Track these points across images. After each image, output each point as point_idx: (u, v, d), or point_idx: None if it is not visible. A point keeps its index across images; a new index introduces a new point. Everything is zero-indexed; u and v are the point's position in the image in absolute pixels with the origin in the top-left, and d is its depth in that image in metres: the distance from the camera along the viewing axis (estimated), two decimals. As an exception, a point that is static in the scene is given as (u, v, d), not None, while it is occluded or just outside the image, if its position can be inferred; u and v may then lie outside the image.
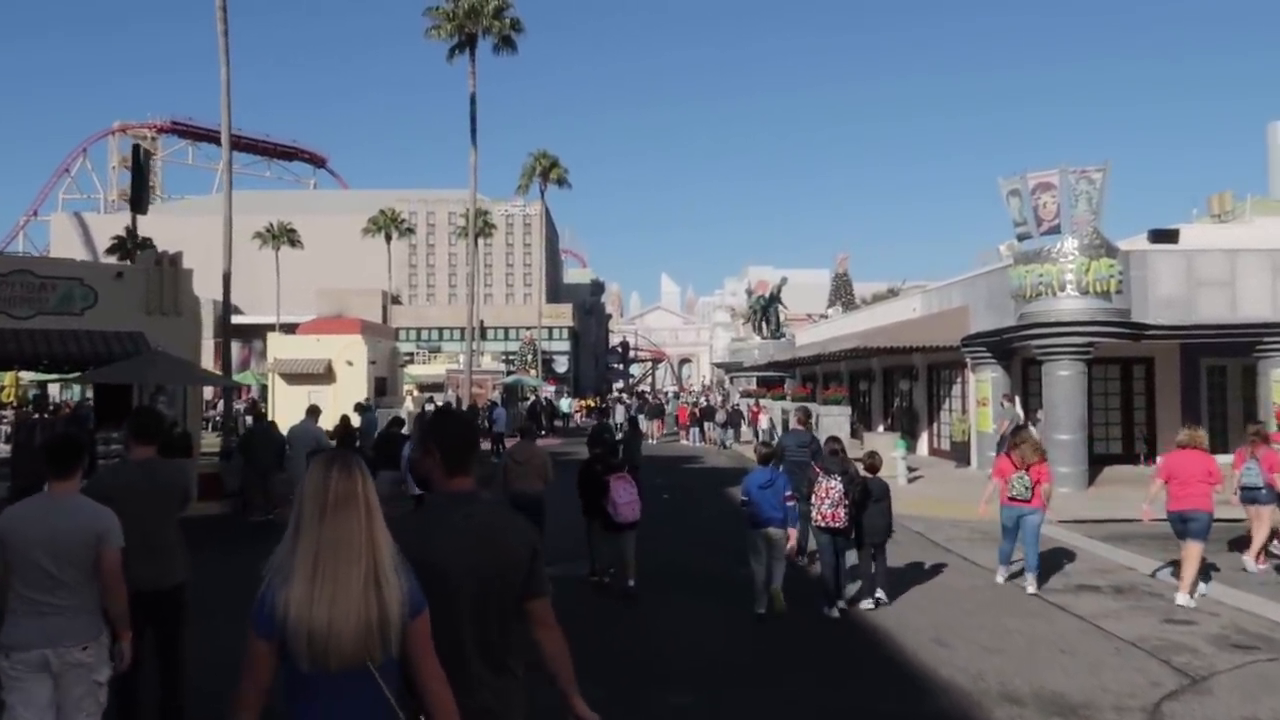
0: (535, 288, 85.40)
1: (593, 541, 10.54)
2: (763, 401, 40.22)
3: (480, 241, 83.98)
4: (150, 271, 18.67)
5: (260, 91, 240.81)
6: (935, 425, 26.16)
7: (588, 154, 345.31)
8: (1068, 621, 8.38)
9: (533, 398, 45.27)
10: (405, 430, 15.16)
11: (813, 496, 8.81)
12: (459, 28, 31.16)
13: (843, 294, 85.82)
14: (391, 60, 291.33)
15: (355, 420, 19.66)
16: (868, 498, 9.00)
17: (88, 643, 4.22)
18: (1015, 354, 21.46)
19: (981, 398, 21.88)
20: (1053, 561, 11.24)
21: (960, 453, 22.93)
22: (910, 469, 20.75)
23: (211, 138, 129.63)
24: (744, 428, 38.30)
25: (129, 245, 71.17)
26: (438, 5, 31.36)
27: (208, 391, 57.88)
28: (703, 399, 48.81)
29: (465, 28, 31.17)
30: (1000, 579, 10.27)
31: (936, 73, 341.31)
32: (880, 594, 9.11)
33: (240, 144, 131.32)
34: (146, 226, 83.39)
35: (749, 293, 55.20)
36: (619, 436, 21.86)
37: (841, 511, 8.60)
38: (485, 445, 29.85)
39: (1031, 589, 9.72)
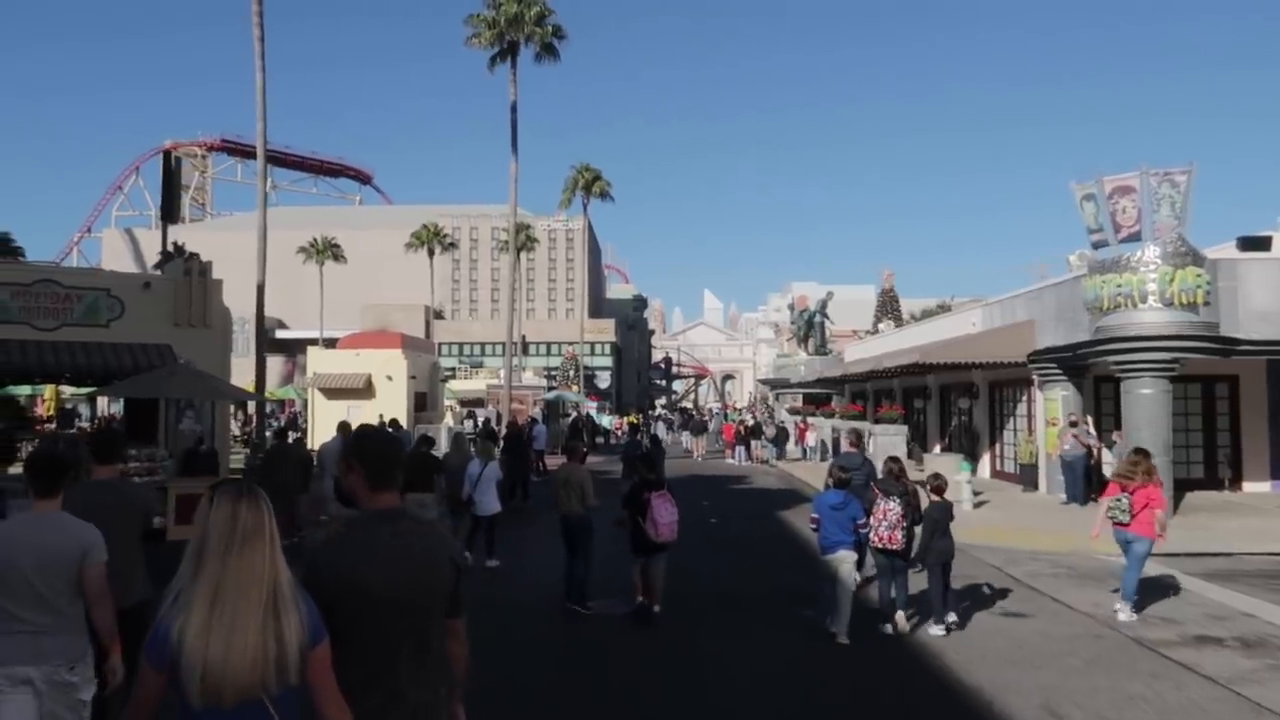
0: (578, 302, 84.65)
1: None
2: (810, 419, 39.03)
3: (522, 256, 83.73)
4: (179, 282, 18.05)
5: (306, 108, 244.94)
6: (998, 446, 24.71)
7: (630, 169, 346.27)
8: (1198, 686, 7.11)
9: (574, 414, 44.33)
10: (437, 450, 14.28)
11: (870, 518, 8.74)
12: (499, 36, 30.48)
13: (889, 310, 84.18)
14: (435, 74, 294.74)
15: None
16: (936, 523, 8.81)
17: (74, 662, 4.24)
18: (1087, 371, 20.06)
19: (1051, 417, 20.47)
20: (1156, 602, 9.97)
21: (1027, 475, 21.49)
22: (974, 492, 19.42)
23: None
24: (790, 445, 37.14)
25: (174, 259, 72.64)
26: (478, 13, 30.75)
27: (252, 406, 58.37)
28: (749, 416, 47.46)
29: (506, 35, 30.48)
30: (1124, 616, 9.32)
31: (983, 85, 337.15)
32: (952, 617, 8.84)
33: (287, 161, 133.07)
34: (194, 242, 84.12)
35: (792, 308, 53.85)
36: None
37: (899, 534, 8.61)
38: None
39: (1124, 616, 9.25)
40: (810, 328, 49.26)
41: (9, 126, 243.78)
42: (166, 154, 19.09)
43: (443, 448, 29.72)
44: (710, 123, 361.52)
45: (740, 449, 34.37)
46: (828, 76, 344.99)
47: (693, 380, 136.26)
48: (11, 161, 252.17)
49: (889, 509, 8.68)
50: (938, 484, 9.20)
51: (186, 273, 18.18)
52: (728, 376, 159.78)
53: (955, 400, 27.75)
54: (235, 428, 50.37)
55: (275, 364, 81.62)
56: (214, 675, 2.48)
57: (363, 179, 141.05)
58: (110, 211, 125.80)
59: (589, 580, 9.99)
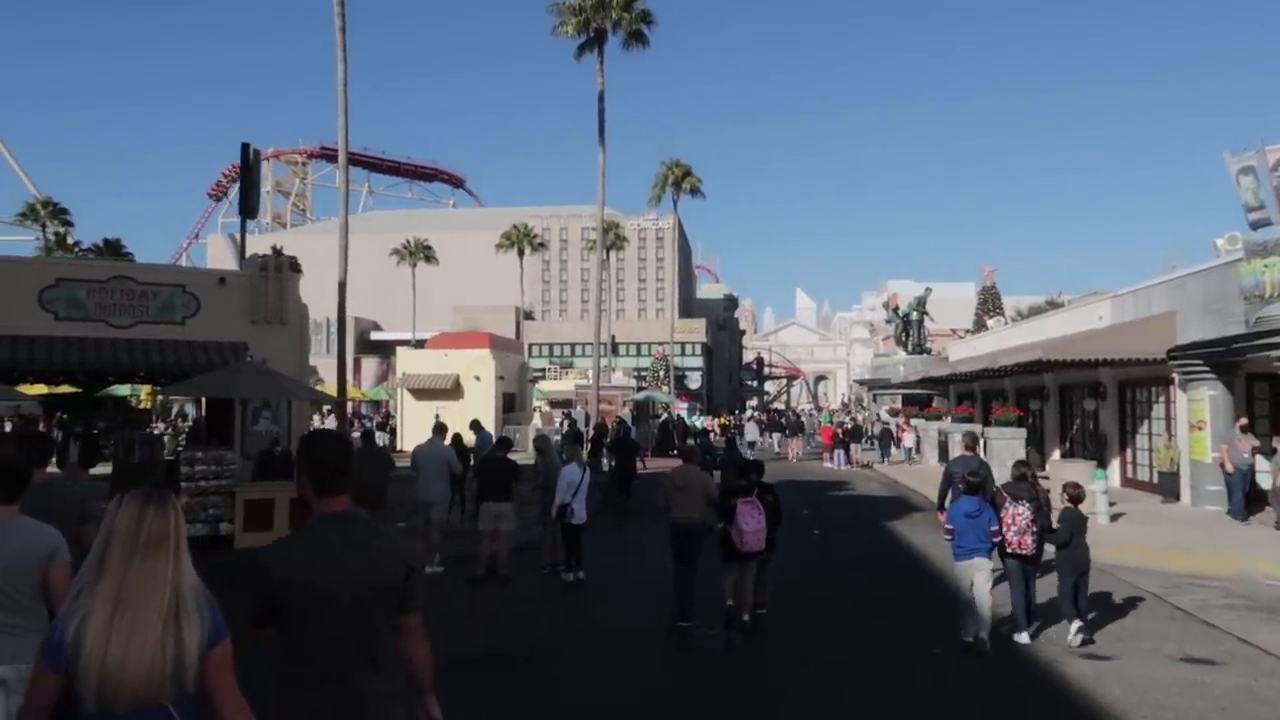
0: (668, 302, 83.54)
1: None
2: (913, 420, 37.09)
3: (612, 255, 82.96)
4: (255, 278, 17.42)
5: (400, 114, 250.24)
6: (1129, 451, 22.46)
7: (720, 165, 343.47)
8: None
9: (664, 415, 43.10)
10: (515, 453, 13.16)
11: (999, 523, 8.62)
12: (585, 23, 29.40)
13: (991, 307, 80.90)
14: (526, 76, 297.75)
15: (470, 439, 17.95)
16: (1069, 533, 8.67)
17: None
18: (1239, 368, 17.85)
19: (1196, 420, 18.31)
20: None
21: (1167, 484, 19.32)
22: (1109, 503, 17.41)
23: (359, 161, 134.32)
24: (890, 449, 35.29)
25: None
26: (564, 0, 29.70)
27: (350, 406, 58.84)
28: (849, 417, 45.41)
29: (593, 22, 29.39)
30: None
31: (1090, 80, 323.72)
32: (1077, 623, 8.58)
33: (382, 166, 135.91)
34: (294, 246, 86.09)
35: (887, 307, 51.57)
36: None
37: (1029, 539, 8.56)
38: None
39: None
40: (909, 325, 47.07)
41: (124, 133, 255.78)
42: (244, 147, 18.49)
43: (528, 448, 28.98)
44: (802, 118, 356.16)
45: (840, 452, 32.58)
46: (925, 73, 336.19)
47: (785, 381, 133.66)
48: (128, 169, 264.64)
49: (1018, 513, 8.60)
50: (1075, 493, 8.96)
51: (263, 268, 17.56)
52: (820, 377, 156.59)
53: (1079, 401, 25.51)
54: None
55: (370, 365, 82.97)
56: (111, 680, 2.49)
57: (456, 183, 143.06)
58: (217, 219, 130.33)
59: (693, 592, 9.41)
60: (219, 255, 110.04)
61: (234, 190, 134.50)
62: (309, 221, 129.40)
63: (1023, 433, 23.28)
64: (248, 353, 16.67)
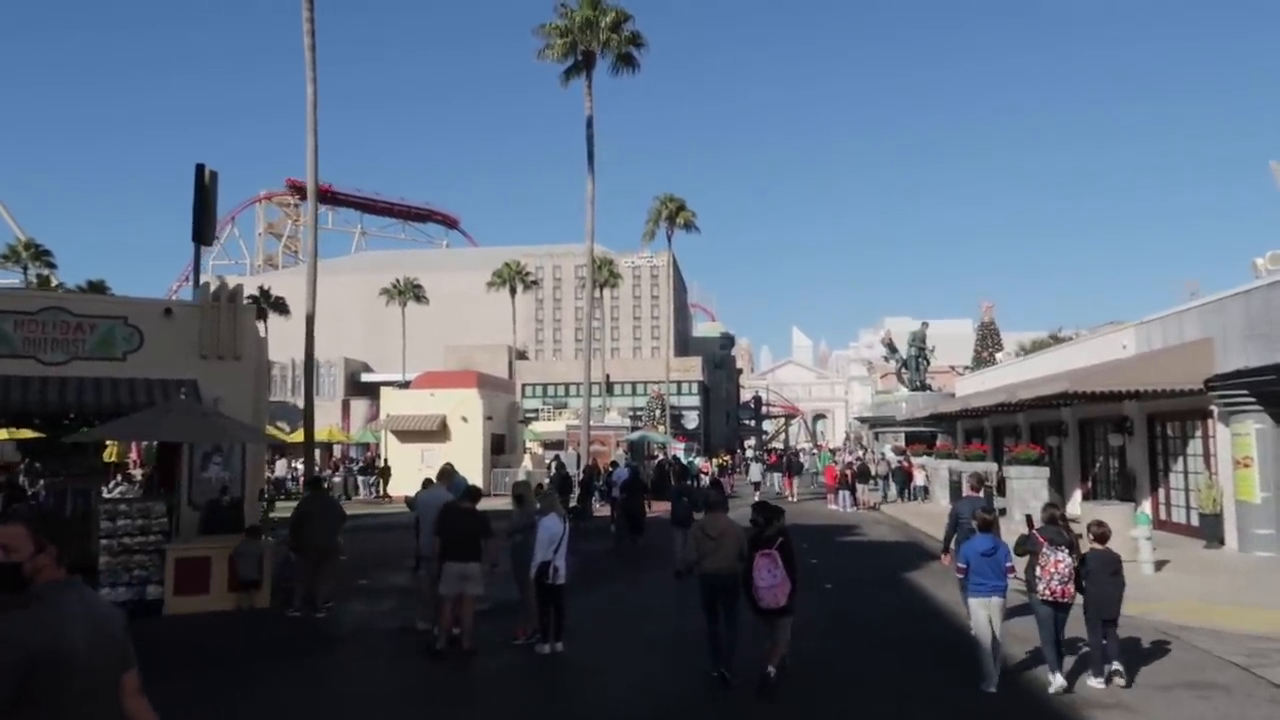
0: (663, 340, 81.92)
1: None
2: (921, 459, 35.57)
3: (605, 294, 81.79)
4: (205, 309, 15.80)
5: (392, 154, 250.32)
6: (1161, 491, 20.77)
7: (713, 206, 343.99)
8: None
9: (660, 456, 41.34)
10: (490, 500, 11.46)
11: (1037, 569, 8.44)
12: (572, 45, 28.16)
13: (990, 343, 79.84)
14: (518, 116, 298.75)
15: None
16: (1094, 574, 8.54)
17: None
18: (1288, 398, 16.27)
19: (1241, 456, 16.71)
20: None
21: (1210, 528, 17.63)
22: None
23: (349, 203, 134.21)
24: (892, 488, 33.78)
25: (262, 304, 72.69)
26: (549, 22, 28.49)
27: (334, 450, 56.92)
28: (854, 457, 43.71)
29: (580, 45, 28.16)
30: None
31: (1088, 107, 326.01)
32: (1117, 665, 8.52)
33: (375, 207, 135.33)
34: (284, 286, 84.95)
35: (885, 344, 50.26)
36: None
37: (1071, 586, 8.35)
38: (605, 512, 26.04)
39: None
40: (908, 363, 45.73)
41: (111, 172, 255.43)
42: (199, 168, 17.00)
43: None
44: (797, 154, 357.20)
45: (845, 494, 30.83)
46: (922, 103, 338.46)
47: (783, 420, 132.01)
48: (116, 211, 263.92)
49: (1059, 560, 8.34)
50: (1101, 531, 8.71)
51: (215, 299, 15.97)
52: (819, 416, 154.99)
53: (1101, 437, 23.87)
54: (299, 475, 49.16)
55: (360, 407, 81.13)
56: None
57: (449, 223, 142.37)
58: (208, 261, 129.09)
59: (735, 646, 8.76)
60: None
61: (225, 234, 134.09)
62: (300, 263, 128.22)
63: (1045, 472, 21.55)
64: (193, 391, 15.09)
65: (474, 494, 10.46)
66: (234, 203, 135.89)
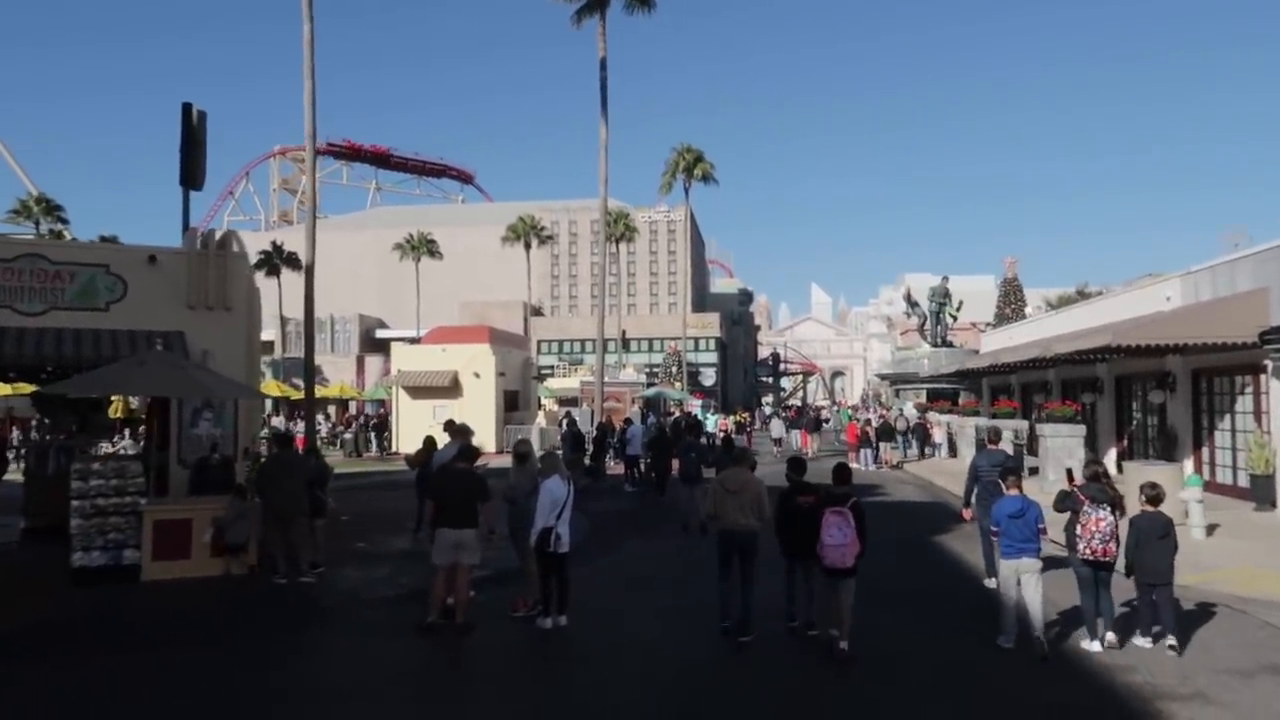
0: (680, 296, 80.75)
1: (792, 586, 9.04)
2: (942, 416, 34.74)
3: (622, 249, 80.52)
4: (193, 256, 14.87)
5: (410, 107, 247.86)
6: (1205, 450, 19.68)
7: (731, 158, 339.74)
8: None
9: (676, 412, 40.45)
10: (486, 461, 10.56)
11: (1077, 528, 8.31)
12: (585, -19, 26.82)
13: (1012, 299, 78.28)
14: (535, 70, 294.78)
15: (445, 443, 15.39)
16: (1144, 535, 8.24)
17: None
18: (1350, 352, 15.11)
19: (1299, 413, 15.58)
20: None
21: (1261, 490, 16.55)
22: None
23: (364, 157, 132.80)
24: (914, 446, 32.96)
25: (274, 260, 71.91)
26: (561, -44, 27.08)
27: (349, 406, 56.46)
28: (877, 414, 42.74)
29: (593, -19, 26.81)
30: None
31: (1111, 62, 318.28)
32: (1172, 640, 8.13)
33: (390, 162, 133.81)
34: (296, 242, 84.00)
35: (906, 299, 48.95)
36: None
37: (1114, 545, 8.17)
38: (619, 470, 25.21)
39: None
40: (940, 316, 44.50)
41: (126, 126, 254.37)
42: (185, 107, 16.00)
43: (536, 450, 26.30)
44: (815, 106, 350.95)
45: (866, 452, 29.89)
46: (945, 57, 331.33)
47: (801, 377, 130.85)
48: (130, 164, 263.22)
49: (1101, 519, 8.15)
50: (1154, 494, 8.43)
51: (204, 245, 15.04)
52: (837, 373, 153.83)
53: (1139, 394, 22.75)
54: (324, 429, 48.54)
55: (375, 364, 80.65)
56: None
57: (464, 179, 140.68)
58: (223, 217, 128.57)
59: (752, 606, 8.65)
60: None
61: (240, 189, 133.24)
62: (321, 218, 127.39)
63: (1081, 429, 20.63)
64: (180, 344, 14.25)
65: (470, 453, 9.54)
66: (249, 157, 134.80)
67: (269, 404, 51.74)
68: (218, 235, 15.18)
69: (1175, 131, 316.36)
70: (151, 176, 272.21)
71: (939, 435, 34.06)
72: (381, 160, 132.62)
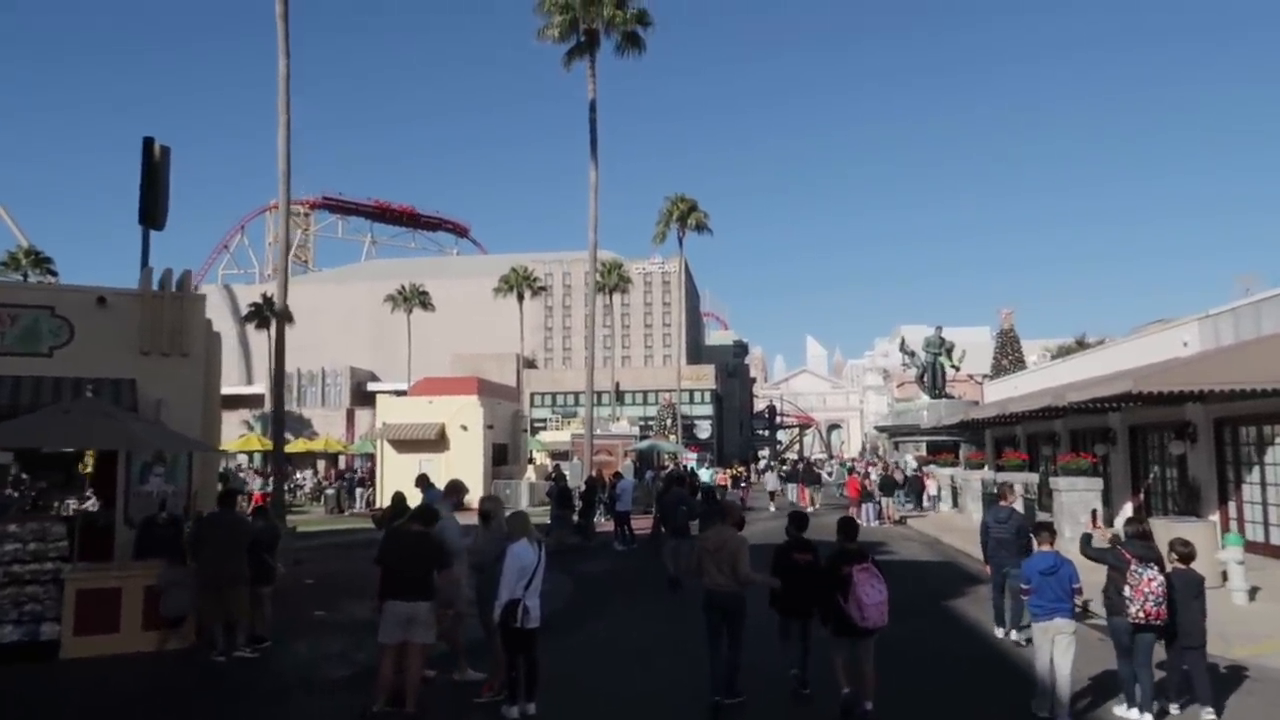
0: (675, 347, 79.97)
1: (784, 643, 8.75)
2: (942, 470, 33.89)
3: (616, 300, 79.67)
4: (146, 299, 13.82)
5: (405, 163, 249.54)
6: (1232, 505, 18.51)
7: (726, 211, 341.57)
8: None
9: (670, 465, 39.17)
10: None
11: (1127, 589, 7.64)
12: (573, 23, 26.14)
13: (1010, 351, 77.68)
14: (529, 125, 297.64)
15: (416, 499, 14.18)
16: (1178, 595, 7.72)
17: None
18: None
19: (1337, 465, 14.47)
20: None
21: (1298, 548, 15.38)
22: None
23: (360, 211, 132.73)
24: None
25: (265, 312, 71.08)
26: (550, -1, 26.49)
27: (339, 461, 55.07)
28: (880, 468, 41.75)
29: (582, 23, 26.15)
30: None
31: (1106, 112, 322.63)
32: (1210, 712, 7.54)
33: (386, 215, 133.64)
34: (292, 295, 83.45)
35: (902, 348, 48.19)
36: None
37: (1165, 608, 7.59)
38: (608, 527, 23.91)
39: None
40: (930, 369, 43.76)
41: (124, 186, 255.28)
42: (147, 142, 15.07)
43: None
44: (808, 154, 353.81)
45: (868, 507, 28.63)
46: (928, 112, 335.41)
47: (797, 430, 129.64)
48: (120, 219, 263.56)
49: (1153, 579, 7.61)
50: (1186, 551, 8.01)
51: (162, 285, 14.01)
52: (834, 426, 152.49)
53: (1159, 444, 21.64)
54: (309, 485, 47.13)
55: (365, 417, 79.33)
56: None
57: (460, 232, 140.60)
58: (217, 271, 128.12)
59: (739, 667, 8.18)
60: (213, 307, 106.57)
61: (235, 242, 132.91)
62: (309, 272, 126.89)
63: (1098, 483, 19.43)
64: (130, 392, 13.17)
65: (426, 515, 8.36)
66: (245, 211, 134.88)
67: (253, 459, 50.56)
68: (150, 270, 14.11)
69: (1176, 179, 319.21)
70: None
71: (933, 487, 33.99)
72: (376, 214, 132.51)
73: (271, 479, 19.79)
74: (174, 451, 12.74)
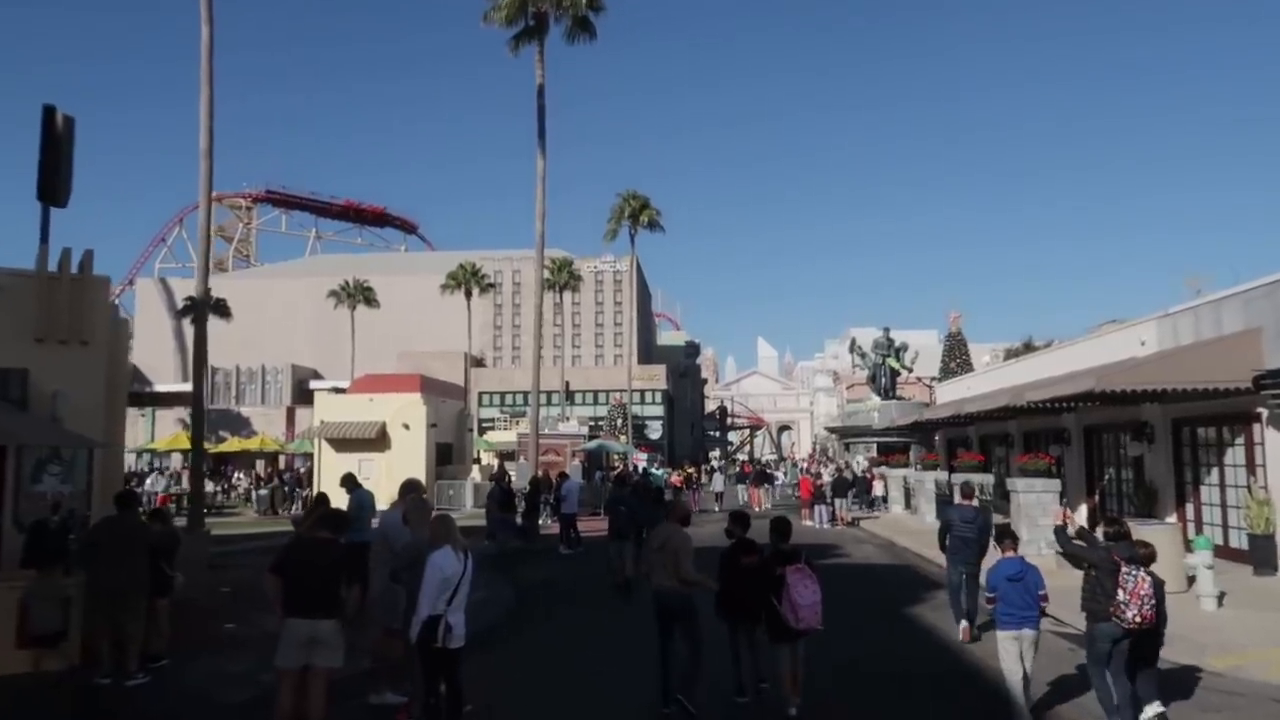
0: (626, 347, 79.17)
1: (739, 652, 8.25)
2: (893, 471, 33.70)
3: (567, 299, 78.67)
4: (42, 281, 12.59)
5: (353, 160, 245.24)
6: (1189, 508, 18.15)
7: (679, 209, 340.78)
8: None
9: (620, 466, 38.31)
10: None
11: (1120, 592, 7.18)
12: (522, 7, 25.15)
13: (958, 354, 78.22)
14: (483, 122, 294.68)
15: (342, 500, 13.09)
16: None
17: None
18: (1356, 398, 13.69)
19: (1302, 466, 14.08)
20: None
21: (1261, 552, 14.93)
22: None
23: (303, 205, 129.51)
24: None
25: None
26: (496, -22, 25.43)
27: (279, 461, 53.20)
28: (834, 469, 41.38)
29: (531, 7, 25.17)
30: None
31: (1059, 116, 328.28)
32: (1158, 708, 7.33)
33: (331, 210, 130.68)
34: (233, 289, 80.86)
35: (853, 349, 48.26)
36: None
37: (1154, 612, 7.20)
38: (554, 530, 22.97)
39: None
40: (883, 369, 43.71)
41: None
42: (47, 111, 13.80)
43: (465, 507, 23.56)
44: (760, 161, 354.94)
45: (821, 508, 28.07)
46: (884, 112, 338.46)
47: (748, 431, 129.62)
48: (66, 214, 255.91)
49: (1144, 580, 7.17)
50: (1147, 552, 7.54)
51: (61, 267, 12.78)
52: (784, 427, 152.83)
53: (1115, 444, 21.30)
54: (243, 485, 45.38)
55: (306, 415, 77.26)
56: None
57: (408, 228, 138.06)
58: (154, 265, 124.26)
59: (699, 675, 7.70)
60: (148, 301, 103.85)
61: (173, 236, 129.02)
62: (250, 266, 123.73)
63: (1056, 484, 19.02)
64: (29, 382, 11.98)
65: (335, 521, 7.37)
66: (182, 204, 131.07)
67: (187, 458, 48.64)
68: (45, 251, 12.89)
69: (1121, 183, 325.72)
70: (93, 222, 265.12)
71: (879, 488, 34.27)
72: (320, 208, 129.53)
73: (189, 478, 18.52)
74: (70, 448, 11.56)
